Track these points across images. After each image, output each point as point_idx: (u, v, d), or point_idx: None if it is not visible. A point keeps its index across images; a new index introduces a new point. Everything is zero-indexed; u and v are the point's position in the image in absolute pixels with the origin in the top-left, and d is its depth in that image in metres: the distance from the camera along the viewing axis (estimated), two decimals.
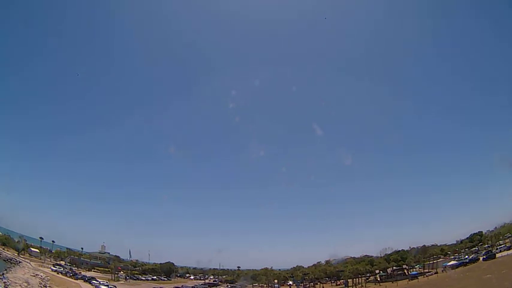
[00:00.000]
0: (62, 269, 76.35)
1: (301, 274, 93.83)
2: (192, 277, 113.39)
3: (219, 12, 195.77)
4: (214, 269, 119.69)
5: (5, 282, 45.09)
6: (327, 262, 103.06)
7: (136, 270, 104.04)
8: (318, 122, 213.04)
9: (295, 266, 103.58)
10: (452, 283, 53.33)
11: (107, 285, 67.32)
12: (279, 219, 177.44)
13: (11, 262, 70.36)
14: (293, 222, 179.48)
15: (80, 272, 76.60)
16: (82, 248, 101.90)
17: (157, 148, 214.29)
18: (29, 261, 76.10)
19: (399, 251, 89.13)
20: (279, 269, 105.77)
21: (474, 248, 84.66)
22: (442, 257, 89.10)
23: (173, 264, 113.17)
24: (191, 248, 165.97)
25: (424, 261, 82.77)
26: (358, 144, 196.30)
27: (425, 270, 75.20)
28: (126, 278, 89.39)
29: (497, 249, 73.55)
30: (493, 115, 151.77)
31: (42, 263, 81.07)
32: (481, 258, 67.88)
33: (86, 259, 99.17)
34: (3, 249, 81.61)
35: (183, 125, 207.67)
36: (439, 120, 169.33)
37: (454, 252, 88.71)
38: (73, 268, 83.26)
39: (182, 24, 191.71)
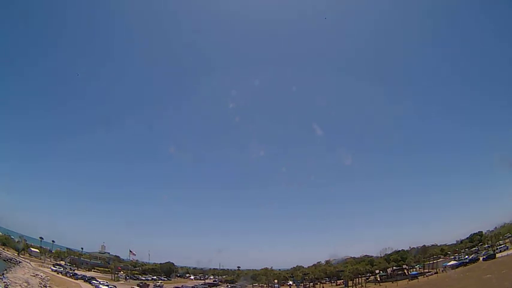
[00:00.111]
0: (62, 269, 76.37)
1: (301, 274, 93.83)
2: (192, 277, 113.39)
3: (219, 12, 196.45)
4: (214, 269, 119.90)
5: (5, 282, 45.06)
6: (327, 262, 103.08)
7: (136, 270, 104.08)
8: (318, 122, 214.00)
9: (295, 266, 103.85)
10: (452, 283, 53.30)
11: (107, 285, 67.30)
12: (279, 219, 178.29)
13: (11, 262, 70.29)
14: (293, 222, 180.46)
15: (76, 272, 76.40)
16: (82, 248, 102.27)
17: (157, 148, 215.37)
18: (29, 261, 76.07)
19: (399, 251, 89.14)
20: (279, 269, 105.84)
21: (474, 248, 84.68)
22: (442, 257, 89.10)
23: (173, 264, 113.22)
24: (191, 248, 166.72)
25: (424, 261, 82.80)
26: (358, 144, 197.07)
27: (425, 270, 75.25)
28: (126, 278, 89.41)
29: (497, 249, 73.54)
30: (493, 115, 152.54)
31: (42, 263, 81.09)
32: (481, 258, 67.90)
33: (86, 259, 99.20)
34: (3, 249, 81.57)
35: (183, 125, 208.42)
36: (439, 120, 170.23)
37: (454, 252, 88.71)
38: (72, 268, 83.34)
39: (182, 24, 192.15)
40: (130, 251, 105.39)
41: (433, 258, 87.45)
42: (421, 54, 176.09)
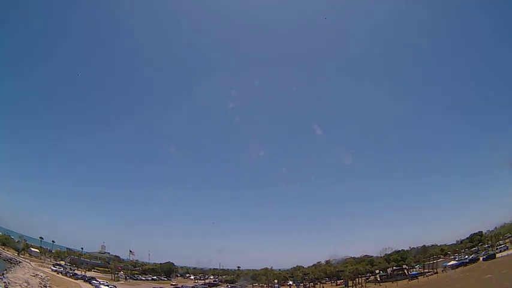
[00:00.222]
0: (62, 269, 76.39)
1: (301, 274, 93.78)
2: (192, 277, 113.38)
3: (219, 12, 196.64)
4: (214, 269, 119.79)
5: (5, 282, 45.07)
6: (327, 262, 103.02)
7: (136, 270, 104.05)
8: (318, 122, 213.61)
9: (295, 266, 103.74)
10: (452, 283, 53.31)
11: (107, 285, 67.35)
12: (279, 219, 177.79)
13: (11, 262, 70.34)
14: (293, 222, 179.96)
15: (76, 272, 76.41)
16: (82, 248, 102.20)
17: (157, 148, 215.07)
18: (29, 261, 76.10)
19: (399, 251, 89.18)
20: (279, 269, 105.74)
21: (474, 248, 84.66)
22: (442, 257, 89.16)
23: (173, 264, 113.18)
24: (191, 248, 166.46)
25: (424, 261, 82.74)
26: (358, 144, 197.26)
27: (425, 270, 75.17)
28: (126, 278, 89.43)
29: (497, 249, 73.55)
30: (493, 115, 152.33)
31: (42, 263, 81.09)
32: (481, 258, 67.90)
33: (86, 259, 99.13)
34: (3, 249, 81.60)
35: (183, 125, 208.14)
36: (439, 120, 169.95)
37: (454, 252, 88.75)
38: (72, 268, 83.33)
39: (182, 24, 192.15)
40: (130, 251, 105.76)
41: (433, 258, 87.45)
42: (421, 54, 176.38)
